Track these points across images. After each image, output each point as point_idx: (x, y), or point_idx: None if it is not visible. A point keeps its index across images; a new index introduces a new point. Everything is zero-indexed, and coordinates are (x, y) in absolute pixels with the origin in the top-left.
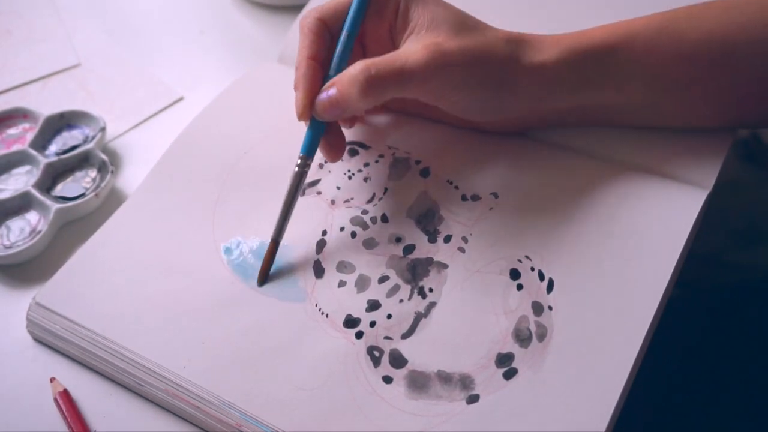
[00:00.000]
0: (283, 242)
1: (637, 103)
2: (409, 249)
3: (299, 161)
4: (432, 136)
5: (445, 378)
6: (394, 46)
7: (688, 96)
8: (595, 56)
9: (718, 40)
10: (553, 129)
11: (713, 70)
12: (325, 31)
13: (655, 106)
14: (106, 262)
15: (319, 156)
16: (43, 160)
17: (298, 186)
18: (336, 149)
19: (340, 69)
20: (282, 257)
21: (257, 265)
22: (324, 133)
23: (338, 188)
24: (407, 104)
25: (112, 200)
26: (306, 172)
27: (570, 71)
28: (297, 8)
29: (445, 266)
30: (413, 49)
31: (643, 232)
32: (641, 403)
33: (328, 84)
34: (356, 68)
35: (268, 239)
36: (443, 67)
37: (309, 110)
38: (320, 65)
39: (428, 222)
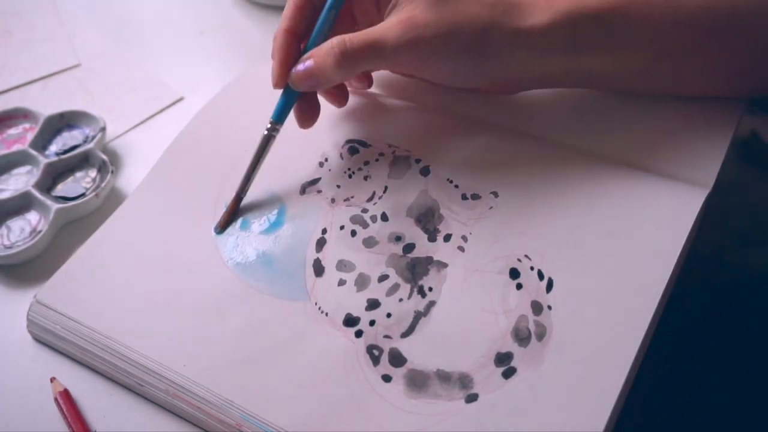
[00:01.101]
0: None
1: (632, 69)
2: (409, 248)
3: (269, 125)
4: (433, 134)
5: (444, 377)
6: (381, 19)
7: (689, 63)
8: (589, 20)
9: (720, 6)
10: (553, 126)
11: (714, 36)
12: (308, 4)
13: (651, 72)
14: (106, 260)
15: (319, 154)
16: (43, 160)
17: (264, 149)
18: (308, 116)
19: (317, 42)
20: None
21: (257, 265)
22: (297, 101)
23: (338, 187)
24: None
25: (112, 200)
26: (274, 137)
27: (563, 35)
28: None
29: (445, 265)
30: (389, 24)
31: (643, 231)
32: (640, 402)
33: (305, 56)
34: (333, 42)
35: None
36: (416, 41)
37: (283, 79)
38: (296, 38)
39: (428, 221)
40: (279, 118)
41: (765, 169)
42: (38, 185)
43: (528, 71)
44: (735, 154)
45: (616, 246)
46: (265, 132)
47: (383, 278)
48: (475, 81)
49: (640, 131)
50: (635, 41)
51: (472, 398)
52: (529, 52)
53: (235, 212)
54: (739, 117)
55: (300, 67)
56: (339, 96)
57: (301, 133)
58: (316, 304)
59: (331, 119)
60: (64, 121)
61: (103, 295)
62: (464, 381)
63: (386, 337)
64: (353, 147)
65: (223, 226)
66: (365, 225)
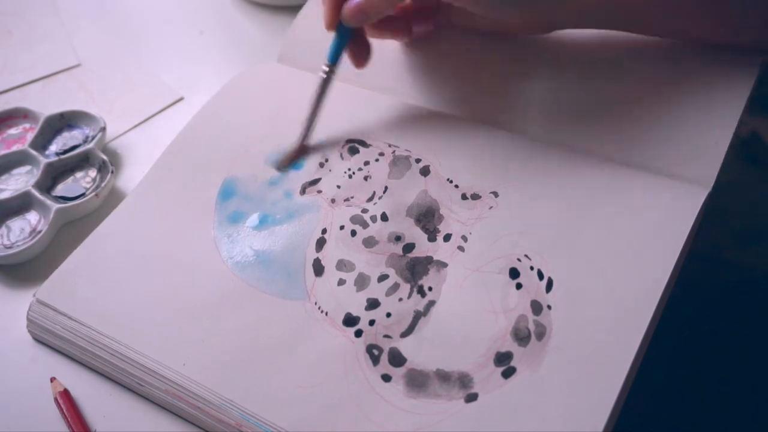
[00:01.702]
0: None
1: (666, 5)
2: (409, 248)
3: (325, 68)
4: (433, 134)
5: (443, 376)
6: None
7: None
8: None
9: None
10: (553, 126)
11: None
12: None
13: (689, 11)
14: (106, 259)
15: (319, 154)
16: (43, 160)
17: (323, 92)
18: (362, 55)
19: None
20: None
21: (257, 264)
22: (349, 43)
23: (338, 187)
24: (442, 12)
25: (112, 200)
26: (331, 79)
27: None
28: (297, 8)
29: (445, 265)
30: None
31: (643, 231)
32: (640, 402)
33: None
34: None
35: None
36: None
37: (335, 19)
38: None
39: (428, 221)
40: (334, 59)
41: (765, 169)
42: (38, 185)
43: (565, 2)
44: (735, 154)
45: (616, 246)
46: (322, 75)
47: (383, 278)
48: (518, 7)
49: (640, 131)
50: None
51: (471, 398)
52: None
53: (297, 158)
54: (740, 117)
55: (351, 2)
56: (402, 30)
57: (298, 132)
58: (315, 303)
59: (332, 118)
60: (64, 121)
61: (103, 293)
62: (464, 381)
63: (386, 336)
64: (353, 147)
65: (284, 165)
66: (365, 225)
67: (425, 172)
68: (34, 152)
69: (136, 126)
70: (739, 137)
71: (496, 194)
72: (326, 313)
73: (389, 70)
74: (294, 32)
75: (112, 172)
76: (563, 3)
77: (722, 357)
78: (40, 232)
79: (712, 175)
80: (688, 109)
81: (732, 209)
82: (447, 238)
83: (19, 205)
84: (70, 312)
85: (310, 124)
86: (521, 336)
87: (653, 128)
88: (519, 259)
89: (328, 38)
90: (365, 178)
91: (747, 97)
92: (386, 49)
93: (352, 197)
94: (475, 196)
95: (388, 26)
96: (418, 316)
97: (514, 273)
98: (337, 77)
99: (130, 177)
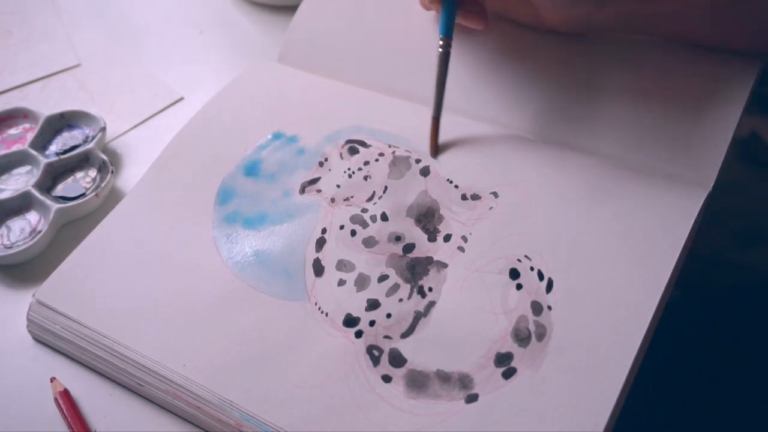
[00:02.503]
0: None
1: (698, 11)
2: (409, 248)
3: (441, 43)
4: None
5: (444, 377)
6: None
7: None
8: None
9: None
10: (553, 126)
11: None
12: None
13: (716, 17)
14: (105, 259)
15: (319, 153)
16: (43, 160)
17: (445, 66)
18: (478, 16)
19: None
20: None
21: (257, 264)
22: (458, 9)
23: (338, 186)
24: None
25: (112, 200)
26: (449, 52)
27: None
28: (297, 8)
29: (445, 265)
30: None
31: (643, 231)
32: (640, 402)
33: None
34: None
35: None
36: None
37: None
38: None
39: (428, 221)
40: (448, 32)
41: (765, 169)
42: (38, 185)
43: (605, 4)
44: (735, 154)
45: (616, 246)
46: (440, 50)
47: (383, 278)
48: (563, 3)
49: (640, 131)
50: None
51: (472, 398)
52: None
53: (437, 132)
54: (740, 117)
55: None
56: (479, 16)
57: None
58: (315, 304)
59: (333, 116)
60: (64, 121)
61: (102, 293)
62: (464, 381)
63: (386, 337)
64: (353, 147)
65: (435, 149)
66: (365, 225)
67: (425, 172)
68: (34, 152)
69: (136, 126)
70: (739, 137)
71: (496, 195)
72: (326, 314)
73: (390, 71)
74: (294, 32)
75: (112, 172)
76: (601, 6)
77: (722, 357)
78: (40, 232)
79: (712, 175)
80: (688, 110)
81: (732, 209)
82: (447, 238)
83: (19, 205)
84: (70, 312)
85: (440, 100)
86: (521, 336)
87: (653, 129)
88: (519, 260)
89: (328, 38)
90: (365, 178)
91: (747, 97)
92: (391, 51)
93: (351, 197)
94: (475, 197)
95: (468, 9)
96: (418, 316)
97: (514, 273)
98: (335, 77)
99: (130, 177)
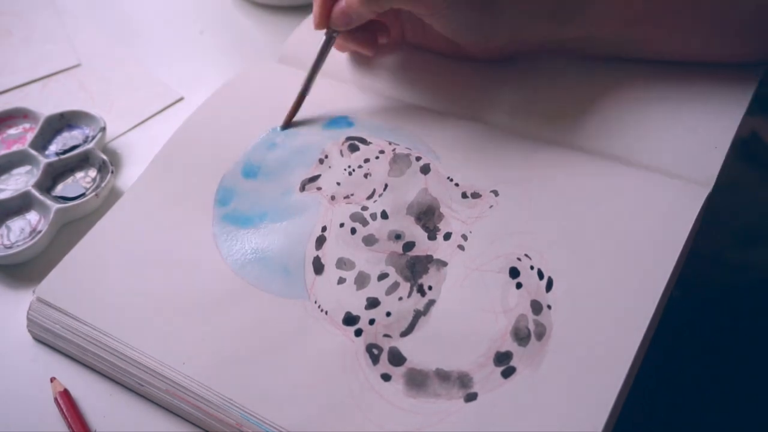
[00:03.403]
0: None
1: (620, 35)
2: (409, 246)
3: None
4: (433, 133)
5: (443, 376)
6: None
7: (680, 25)
8: None
9: None
10: (554, 125)
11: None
12: None
13: (641, 38)
14: (105, 256)
15: (319, 151)
16: (43, 160)
17: (325, 51)
18: (367, 44)
19: None
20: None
21: (256, 262)
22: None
23: (338, 184)
24: (408, 34)
25: (112, 200)
26: (334, 38)
27: (554, 3)
28: (297, 8)
29: (445, 264)
30: None
31: (644, 230)
32: (640, 402)
33: None
34: None
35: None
36: None
37: (324, 20)
38: None
39: (428, 219)
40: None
41: (765, 169)
42: (38, 185)
43: (520, 34)
44: (735, 153)
45: (616, 245)
46: (324, 37)
47: (383, 277)
48: (474, 35)
49: (641, 130)
50: (620, 7)
51: (471, 397)
52: (522, 15)
53: (298, 106)
54: (741, 116)
55: (336, 7)
56: (369, 43)
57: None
58: (315, 302)
59: (334, 115)
60: (64, 121)
61: (102, 290)
62: (463, 380)
63: (386, 336)
64: (353, 144)
65: (287, 123)
66: (365, 223)
67: (425, 170)
68: (34, 152)
69: (136, 126)
70: (740, 137)
71: (496, 193)
72: (326, 312)
73: (389, 72)
74: (301, 32)
75: (112, 172)
76: (516, 37)
77: (722, 357)
78: (40, 232)
79: (712, 175)
80: (689, 109)
81: (732, 209)
82: (447, 236)
83: (19, 205)
84: (70, 309)
85: (310, 80)
86: (521, 336)
87: (654, 128)
88: (519, 259)
89: None
90: (365, 176)
91: (749, 97)
92: (395, 55)
93: (352, 194)
94: (476, 195)
95: (355, 38)
96: (418, 315)
97: (514, 272)
98: (336, 78)
99: (130, 177)
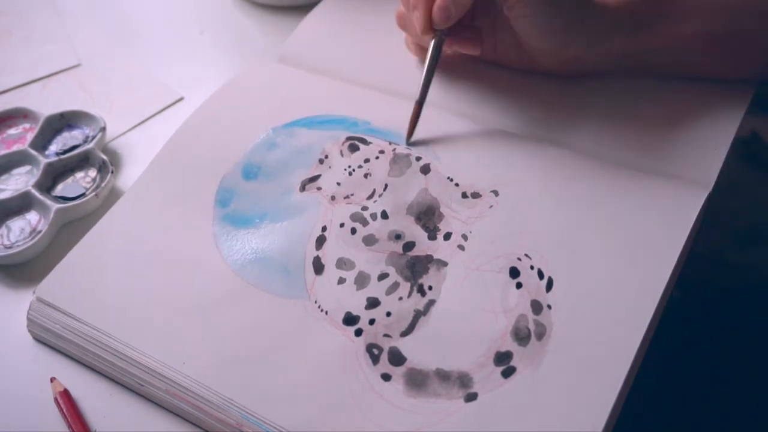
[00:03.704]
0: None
1: (687, 48)
2: (409, 246)
3: (434, 37)
4: (433, 133)
5: (443, 376)
6: None
7: (738, 45)
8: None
9: None
10: (554, 126)
11: (763, 21)
12: None
13: (705, 52)
14: (105, 256)
15: (319, 151)
16: (43, 160)
17: (436, 55)
18: (472, 42)
19: None
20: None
21: (257, 262)
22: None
23: (338, 184)
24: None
25: (112, 200)
26: (443, 40)
27: (629, 14)
28: (297, 8)
29: (445, 264)
30: None
31: (644, 231)
32: (640, 402)
33: None
34: None
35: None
36: None
37: (429, 23)
38: None
39: (428, 219)
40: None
41: (765, 170)
42: (38, 185)
43: (595, 48)
44: (735, 154)
45: (617, 245)
46: (433, 40)
47: (383, 276)
48: (554, 42)
49: (641, 131)
50: (692, 21)
51: (471, 397)
52: (599, 29)
53: (416, 119)
54: (741, 117)
55: (435, 7)
56: (473, 42)
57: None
58: (315, 302)
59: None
60: (64, 121)
61: (102, 290)
62: (463, 380)
63: (386, 335)
64: (353, 144)
65: (410, 135)
66: (365, 223)
67: (426, 170)
68: (34, 152)
69: (136, 126)
70: (739, 137)
71: (496, 193)
72: (326, 312)
73: (390, 72)
74: (301, 32)
75: (112, 172)
76: (591, 50)
77: (722, 357)
78: (40, 232)
79: (712, 175)
80: (689, 110)
81: (732, 209)
82: (447, 236)
83: (19, 205)
84: (70, 309)
85: (427, 87)
86: (521, 335)
87: (654, 129)
88: (519, 259)
89: (334, 42)
90: (365, 176)
91: (749, 98)
92: (391, 53)
93: (352, 194)
94: (476, 195)
95: (459, 39)
96: (418, 315)
97: (514, 272)
98: (336, 78)
99: (130, 177)
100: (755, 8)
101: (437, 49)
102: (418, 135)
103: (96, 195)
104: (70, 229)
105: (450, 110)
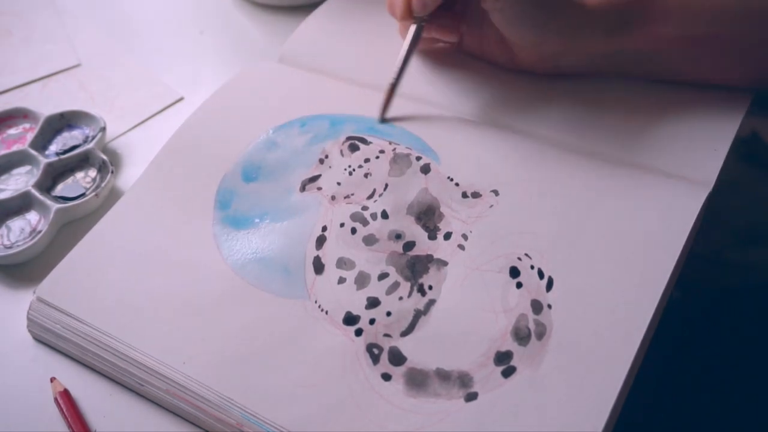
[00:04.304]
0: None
1: (666, 51)
2: (409, 246)
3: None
4: (433, 132)
5: (443, 376)
6: None
7: (718, 49)
8: (625, 4)
9: None
10: (554, 125)
11: (744, 24)
12: None
13: (686, 56)
14: (105, 256)
15: (319, 150)
16: (43, 160)
17: (415, 41)
18: (449, 29)
19: None
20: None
21: (257, 262)
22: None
23: (338, 184)
24: (466, 40)
25: (112, 200)
26: (422, 26)
27: (606, 14)
28: (297, 8)
29: (445, 264)
30: None
31: (644, 230)
32: (640, 402)
33: None
34: None
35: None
36: None
37: (407, 10)
38: None
39: (428, 219)
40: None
41: (765, 169)
42: (38, 185)
43: (572, 45)
44: (735, 153)
45: (617, 245)
46: (413, 26)
47: (383, 276)
48: (531, 36)
49: (641, 130)
50: (672, 24)
51: (471, 397)
52: (579, 27)
53: (390, 98)
54: (742, 116)
55: None
56: (451, 30)
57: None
58: (316, 302)
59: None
60: (64, 121)
61: (102, 290)
62: (464, 380)
63: (386, 335)
64: (353, 144)
65: (382, 116)
66: (365, 222)
67: (426, 169)
68: (34, 152)
69: (136, 126)
70: (740, 137)
71: (496, 193)
72: (326, 312)
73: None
74: (301, 33)
75: (112, 172)
76: (568, 48)
77: (722, 357)
78: (40, 232)
79: (712, 175)
80: (689, 109)
81: (732, 209)
82: (447, 236)
83: (19, 205)
84: (70, 309)
85: (403, 67)
86: (521, 335)
87: (654, 128)
88: (519, 258)
89: (335, 43)
90: (365, 176)
91: (750, 98)
92: (391, 53)
93: (352, 194)
94: (476, 195)
95: (438, 26)
96: (418, 315)
97: (514, 272)
98: (336, 77)
99: (130, 177)
100: (737, 10)
101: (416, 35)
102: (413, 129)
103: (96, 195)
104: (70, 229)
105: (452, 111)
